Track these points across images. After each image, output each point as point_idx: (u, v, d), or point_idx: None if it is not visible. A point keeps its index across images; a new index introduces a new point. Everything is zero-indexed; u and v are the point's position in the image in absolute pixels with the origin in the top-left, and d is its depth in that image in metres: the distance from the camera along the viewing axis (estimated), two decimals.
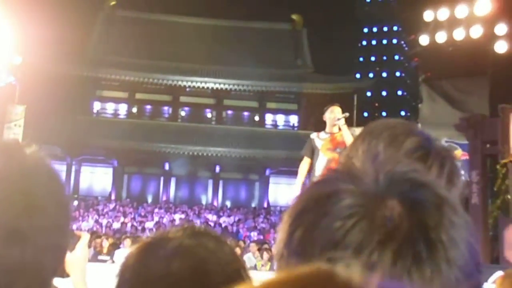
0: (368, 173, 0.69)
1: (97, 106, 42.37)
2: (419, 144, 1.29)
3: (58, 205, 0.78)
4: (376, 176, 0.69)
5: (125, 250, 15.73)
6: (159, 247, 1.17)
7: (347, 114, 7.96)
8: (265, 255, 16.81)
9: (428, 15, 16.40)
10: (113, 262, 15.12)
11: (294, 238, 0.69)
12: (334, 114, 7.88)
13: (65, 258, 0.83)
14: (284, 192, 40.87)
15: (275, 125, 43.37)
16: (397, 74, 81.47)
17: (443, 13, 16.08)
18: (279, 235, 0.73)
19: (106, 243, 17.56)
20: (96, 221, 30.50)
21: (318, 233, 0.66)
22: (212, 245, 1.19)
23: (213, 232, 1.28)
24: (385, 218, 0.66)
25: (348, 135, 7.58)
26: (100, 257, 16.36)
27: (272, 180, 40.44)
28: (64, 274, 2.35)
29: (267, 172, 39.79)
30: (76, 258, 2.39)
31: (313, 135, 8.24)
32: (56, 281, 2.36)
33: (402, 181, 0.69)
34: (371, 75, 67.24)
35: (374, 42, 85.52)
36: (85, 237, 2.48)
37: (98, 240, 18.49)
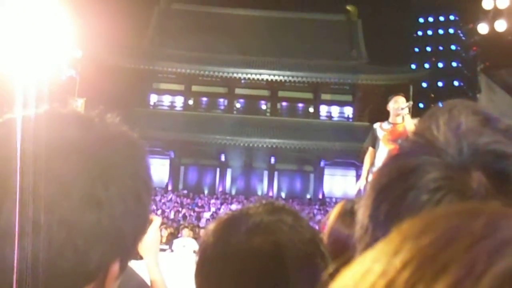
0: (451, 144, 0.71)
1: (154, 98, 42.94)
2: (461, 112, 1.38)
3: (136, 175, 0.82)
4: (459, 147, 0.69)
5: (184, 239, 16.04)
6: (240, 223, 1.19)
7: (410, 103, 7.88)
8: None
9: (487, 3, 16.11)
10: (171, 251, 15.41)
11: (380, 212, 0.69)
12: (397, 104, 7.72)
13: (146, 228, 0.86)
14: (339, 183, 40.82)
15: (329, 117, 43.22)
16: (454, 64, 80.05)
17: (502, 1, 15.79)
18: (363, 210, 0.75)
19: (165, 232, 17.86)
20: (154, 211, 31.03)
21: (405, 206, 0.66)
22: (290, 220, 1.20)
23: (291, 208, 1.28)
24: (472, 190, 0.65)
25: (410, 125, 7.49)
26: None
27: (327, 171, 40.37)
28: (137, 257, 2.51)
29: (322, 163, 39.73)
30: (149, 240, 2.44)
31: (376, 125, 8.13)
32: (131, 263, 2.55)
33: (486, 152, 0.68)
34: (427, 65, 66.14)
35: (430, 32, 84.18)
36: (157, 220, 2.53)
37: None
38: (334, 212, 1.93)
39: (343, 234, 1.81)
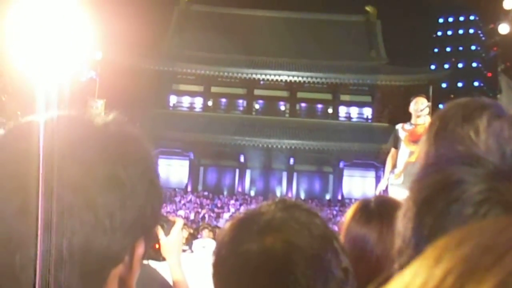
0: (493, 152, 0.69)
1: (173, 99, 43.12)
2: (492, 116, 1.31)
3: (147, 162, 0.86)
4: (501, 155, 0.67)
5: (203, 240, 16.08)
6: (252, 222, 1.19)
7: (429, 104, 7.85)
8: None
9: (508, 3, 16.03)
10: (191, 251, 15.46)
11: (423, 225, 0.68)
12: (418, 105, 7.71)
13: (160, 212, 0.89)
14: (358, 184, 40.74)
15: (348, 118, 43.15)
16: (474, 64, 79.62)
17: None
18: (404, 222, 0.72)
19: (185, 233, 17.89)
20: (174, 212, 31.17)
21: (449, 220, 0.65)
22: (304, 217, 1.19)
23: (304, 205, 1.26)
24: None
25: None
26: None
27: (346, 172, 40.32)
28: (160, 258, 2.47)
29: (341, 164, 39.67)
30: (172, 242, 2.46)
31: (398, 126, 8.07)
32: (154, 264, 2.56)
33: None
34: (446, 66, 65.87)
35: (449, 33, 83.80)
36: (180, 222, 2.55)
37: None
38: (350, 211, 1.94)
39: (360, 233, 1.81)
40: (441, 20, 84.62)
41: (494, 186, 0.64)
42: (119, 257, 0.80)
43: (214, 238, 16.85)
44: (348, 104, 43.29)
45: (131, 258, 0.83)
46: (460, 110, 1.40)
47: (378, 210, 1.83)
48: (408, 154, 7.62)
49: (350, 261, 1.16)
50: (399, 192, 7.38)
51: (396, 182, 7.72)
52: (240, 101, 43.36)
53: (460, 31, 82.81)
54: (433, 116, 1.49)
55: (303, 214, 1.20)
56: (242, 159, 39.57)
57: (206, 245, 15.39)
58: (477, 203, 0.64)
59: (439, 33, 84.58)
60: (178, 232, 2.50)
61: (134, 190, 0.80)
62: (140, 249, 0.84)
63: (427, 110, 7.62)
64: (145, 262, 2.85)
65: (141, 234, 0.83)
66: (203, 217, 29.77)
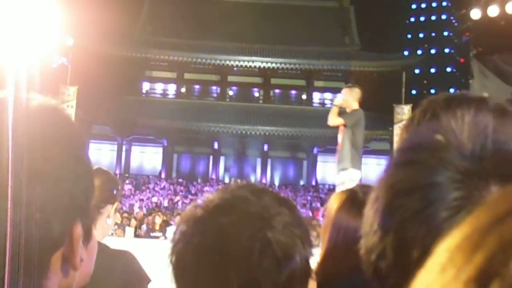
0: (473, 141, 0.67)
1: (146, 86, 42.87)
2: (479, 106, 1.29)
3: (72, 141, 0.87)
4: (482, 145, 0.66)
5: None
6: (209, 203, 1.16)
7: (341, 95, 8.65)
8: (314, 232, 16.98)
9: None
10: (165, 238, 15.48)
11: (392, 220, 0.67)
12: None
13: (93, 187, 0.91)
14: (332, 170, 40.90)
15: (322, 104, 43.21)
16: (446, 50, 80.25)
17: None
18: (373, 210, 0.72)
19: (158, 220, 17.91)
20: (148, 199, 31.10)
21: (420, 220, 0.64)
22: (268, 201, 1.15)
23: (273, 192, 1.22)
24: None
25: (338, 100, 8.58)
26: (152, 234, 16.74)
27: (320, 158, 40.44)
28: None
29: (315, 150, 39.80)
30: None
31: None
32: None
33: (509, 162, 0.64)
34: (419, 52, 66.24)
35: (422, 18, 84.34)
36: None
37: (150, 217, 18.92)
38: (335, 201, 1.92)
39: (352, 225, 1.79)
40: (414, 6, 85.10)
41: (470, 193, 0.63)
42: (58, 243, 0.83)
43: None
44: (322, 90, 43.36)
45: (70, 240, 0.85)
46: (445, 100, 1.39)
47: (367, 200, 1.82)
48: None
49: (341, 251, 1.14)
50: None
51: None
52: (214, 87, 43.24)
53: (433, 17, 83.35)
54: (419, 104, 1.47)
55: (269, 198, 1.16)
56: (216, 145, 39.53)
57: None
58: (453, 208, 0.63)
59: (412, 19, 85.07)
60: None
61: (57, 178, 0.81)
62: (77, 230, 0.85)
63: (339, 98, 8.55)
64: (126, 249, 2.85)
65: (76, 217, 0.85)
66: (177, 204, 29.74)
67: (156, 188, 34.54)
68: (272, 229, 1.10)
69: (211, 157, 40.40)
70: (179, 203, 30.01)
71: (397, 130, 26.94)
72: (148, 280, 2.70)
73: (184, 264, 1.12)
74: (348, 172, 7.89)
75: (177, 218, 17.04)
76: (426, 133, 0.70)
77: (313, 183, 39.38)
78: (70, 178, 0.83)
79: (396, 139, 26.83)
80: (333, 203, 1.91)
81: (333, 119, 8.16)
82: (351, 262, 1.26)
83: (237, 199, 1.14)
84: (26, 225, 0.75)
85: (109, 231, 2.83)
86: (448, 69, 78.70)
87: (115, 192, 2.74)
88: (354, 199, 1.86)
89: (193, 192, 34.14)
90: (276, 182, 39.53)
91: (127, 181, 34.58)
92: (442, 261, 0.37)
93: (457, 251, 0.36)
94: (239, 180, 1.24)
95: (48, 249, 0.81)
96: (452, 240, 0.37)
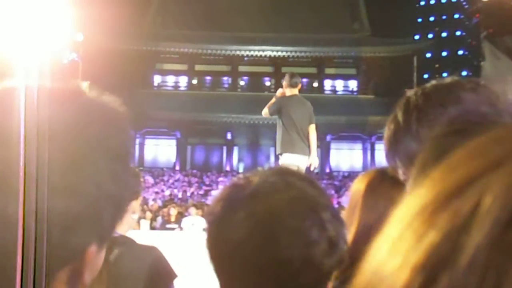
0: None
1: (157, 79, 42.90)
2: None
3: (111, 153, 0.79)
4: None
5: (192, 217, 16.13)
6: (242, 188, 1.15)
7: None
8: None
9: None
10: (180, 229, 15.52)
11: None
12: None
13: (125, 207, 0.84)
14: (345, 157, 40.88)
15: (334, 91, 43.13)
16: (458, 33, 79.56)
17: None
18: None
19: (173, 211, 17.96)
20: (162, 191, 31.19)
21: None
22: (299, 183, 1.15)
23: (300, 173, 1.23)
24: None
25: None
26: (168, 225, 16.78)
27: (333, 145, 40.38)
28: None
29: (328, 137, 39.71)
30: None
31: None
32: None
33: None
34: (430, 35, 65.98)
35: (432, 2, 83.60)
36: None
37: (165, 209, 18.97)
38: (363, 180, 1.87)
39: (382, 204, 1.76)
40: None
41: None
42: (68, 261, 0.77)
43: (202, 216, 16.92)
44: (333, 77, 43.23)
45: (82, 259, 0.79)
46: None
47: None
48: None
49: (374, 231, 1.14)
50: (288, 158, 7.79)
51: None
52: (225, 78, 43.18)
53: (443, 0, 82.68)
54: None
55: (297, 180, 1.16)
56: (229, 136, 39.55)
57: (195, 223, 15.43)
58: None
59: (422, 3, 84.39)
60: None
61: (86, 196, 0.74)
62: (92, 251, 0.79)
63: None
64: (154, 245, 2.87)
65: (95, 239, 0.79)
66: (192, 195, 29.81)
67: (170, 180, 34.64)
68: (323, 209, 1.13)
69: (224, 148, 40.43)
70: (194, 194, 30.07)
71: None
72: (175, 276, 2.72)
73: (228, 245, 1.11)
74: (283, 157, 7.92)
75: (192, 209, 17.10)
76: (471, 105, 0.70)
77: (327, 170, 39.32)
78: (100, 198, 0.76)
79: None
80: (360, 183, 1.88)
81: (264, 110, 8.42)
82: None
83: (277, 183, 1.14)
84: (39, 238, 0.69)
85: (133, 225, 2.84)
86: (460, 52, 78.07)
87: (138, 187, 2.75)
88: (384, 177, 1.83)
89: (207, 183, 34.20)
90: None
91: (142, 175, 34.72)
92: (394, 234, 0.34)
93: (411, 223, 0.33)
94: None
95: (57, 264, 0.76)
96: (412, 204, 0.34)
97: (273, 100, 8.59)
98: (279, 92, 8.73)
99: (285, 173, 1.18)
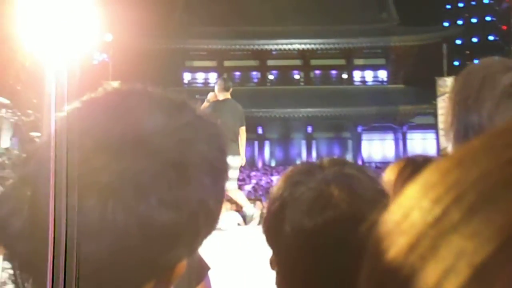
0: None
1: (187, 76, 43.15)
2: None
3: (213, 169, 0.79)
4: None
5: (226, 212, 16.20)
6: (315, 172, 1.16)
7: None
8: None
9: None
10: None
11: None
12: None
13: (216, 224, 0.82)
14: (377, 147, 40.69)
15: (363, 82, 42.94)
16: (488, 18, 78.55)
17: None
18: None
19: None
20: None
21: None
22: (359, 173, 1.17)
23: (354, 163, 1.25)
24: None
25: None
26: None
27: (364, 136, 40.25)
28: None
29: (359, 129, 39.59)
30: None
31: None
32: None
33: None
34: (460, 22, 65.21)
35: None
36: None
37: None
38: (393, 171, 1.85)
39: None
40: None
41: None
42: (156, 275, 0.76)
43: (236, 210, 17.00)
44: (363, 68, 43.03)
45: (170, 274, 0.78)
46: (481, 71, 1.35)
47: (429, 164, 1.78)
48: None
49: None
50: None
51: None
52: (254, 73, 43.25)
53: None
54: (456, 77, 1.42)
55: (358, 170, 1.19)
56: (260, 130, 39.58)
57: (230, 218, 15.52)
58: None
59: None
60: None
61: (190, 210, 0.74)
62: (182, 266, 0.79)
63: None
64: None
65: (190, 254, 0.79)
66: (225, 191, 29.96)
67: None
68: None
69: (256, 143, 40.47)
70: (227, 189, 30.22)
71: (441, 103, 26.55)
72: (208, 268, 2.75)
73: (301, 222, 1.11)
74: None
75: (226, 204, 17.17)
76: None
77: (359, 161, 39.16)
78: (202, 213, 0.76)
79: (440, 112, 26.47)
80: (390, 173, 1.86)
81: None
82: None
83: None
84: (138, 249, 0.69)
85: None
86: (491, 38, 77.04)
87: None
88: (415, 167, 1.80)
89: (240, 178, 34.30)
90: None
91: None
92: (413, 194, 0.35)
93: (430, 187, 0.34)
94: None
95: (145, 276, 0.74)
96: (439, 167, 0.35)
97: (206, 104, 8.84)
98: (211, 96, 9.06)
99: (349, 165, 1.20)
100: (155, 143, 0.72)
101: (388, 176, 1.85)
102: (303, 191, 1.13)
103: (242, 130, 9.00)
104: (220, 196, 0.81)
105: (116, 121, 0.72)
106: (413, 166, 1.82)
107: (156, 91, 0.87)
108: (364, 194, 1.12)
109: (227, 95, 9.21)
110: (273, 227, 1.16)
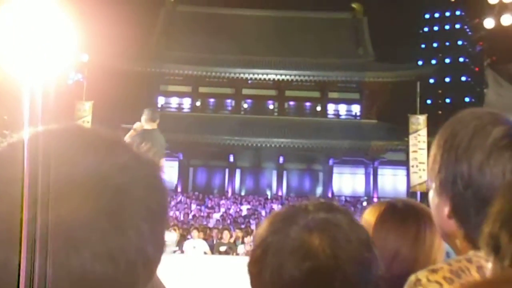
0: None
1: (161, 100, 42.99)
2: (506, 133, 1.28)
3: (153, 214, 0.73)
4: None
5: (194, 240, 16.06)
6: (298, 218, 1.16)
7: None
8: None
9: None
10: (182, 252, 15.45)
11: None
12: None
13: (156, 270, 0.77)
14: (348, 181, 40.82)
15: (337, 115, 43.19)
16: (461, 59, 79.90)
17: None
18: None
19: (175, 234, 17.87)
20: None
21: None
22: (346, 220, 1.17)
23: (340, 207, 1.25)
24: None
25: None
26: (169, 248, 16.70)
27: (335, 169, 40.34)
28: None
29: (331, 162, 39.71)
30: None
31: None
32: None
33: None
34: (434, 61, 66.18)
35: (436, 28, 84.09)
36: None
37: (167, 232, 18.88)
38: (372, 213, 1.84)
39: (393, 237, 1.75)
40: (427, 16, 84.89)
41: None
42: None
43: (204, 239, 16.86)
44: (337, 101, 43.30)
45: None
46: (472, 121, 1.34)
47: (409, 211, 1.80)
48: None
49: (385, 261, 1.16)
50: None
51: None
52: (228, 100, 43.29)
53: (447, 27, 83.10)
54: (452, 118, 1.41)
55: (346, 217, 1.19)
56: (231, 158, 39.52)
57: (197, 246, 15.39)
58: None
59: (426, 29, 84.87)
60: None
61: (128, 262, 0.68)
62: None
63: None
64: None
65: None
66: (194, 218, 29.73)
67: (172, 203, 34.55)
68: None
69: (227, 170, 40.40)
70: (195, 217, 29.98)
71: (413, 140, 26.83)
72: None
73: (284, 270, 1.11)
74: None
75: (193, 232, 17.03)
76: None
77: (329, 194, 39.23)
78: (140, 263, 0.70)
79: (411, 149, 26.72)
80: (370, 216, 1.83)
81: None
82: (393, 270, 1.28)
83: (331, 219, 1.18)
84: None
85: None
86: (463, 78, 78.33)
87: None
88: (394, 210, 1.81)
89: (209, 205, 34.13)
90: (292, 194, 39.42)
91: None
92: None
93: None
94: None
95: None
96: None
97: (133, 132, 9.00)
98: (137, 125, 9.20)
99: (334, 210, 1.21)
100: (87, 190, 0.66)
101: (368, 218, 1.84)
102: (284, 239, 1.14)
103: (163, 161, 9.14)
104: (159, 241, 0.74)
105: (43, 167, 0.66)
106: (393, 210, 1.82)
107: (89, 129, 0.76)
108: (346, 246, 1.12)
109: (154, 126, 9.30)
110: (254, 273, 1.16)
